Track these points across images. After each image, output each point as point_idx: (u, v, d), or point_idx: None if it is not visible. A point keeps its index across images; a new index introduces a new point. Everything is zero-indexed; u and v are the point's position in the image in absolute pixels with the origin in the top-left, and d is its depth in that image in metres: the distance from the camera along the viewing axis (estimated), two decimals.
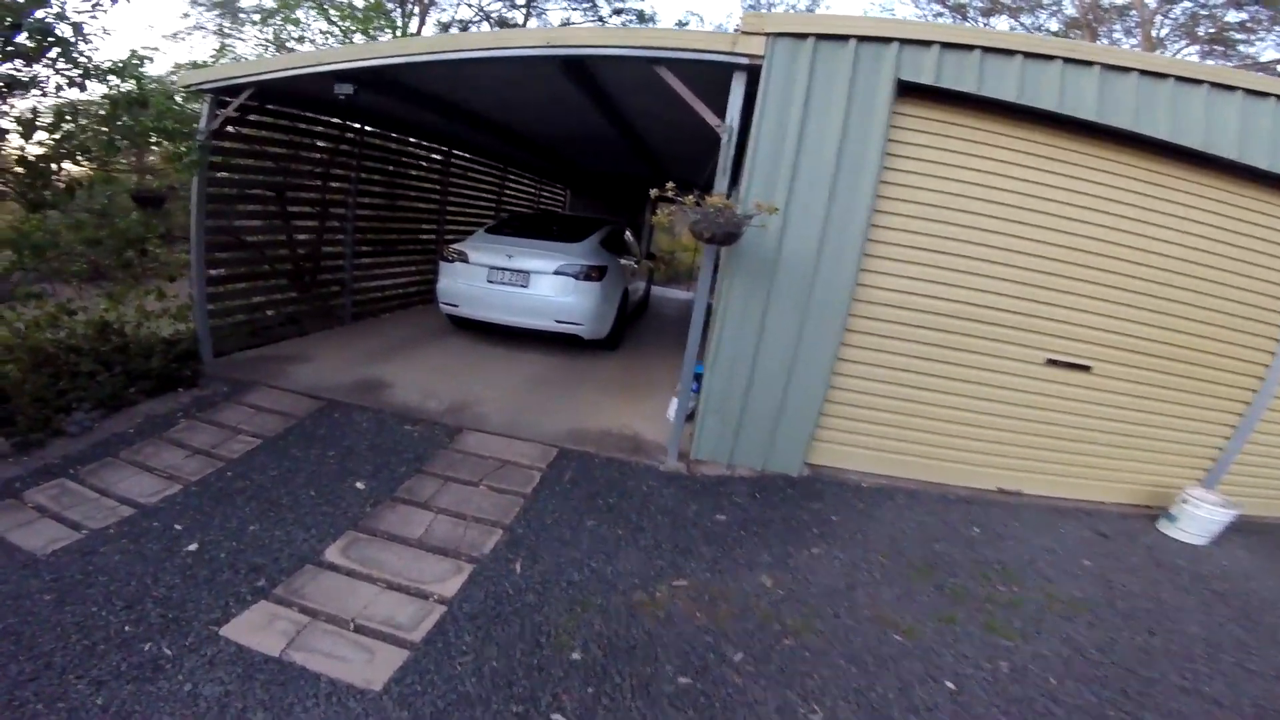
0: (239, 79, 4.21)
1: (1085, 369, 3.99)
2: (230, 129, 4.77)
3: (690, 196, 3.25)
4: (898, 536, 3.44)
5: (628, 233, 7.63)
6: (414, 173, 7.55)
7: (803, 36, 3.33)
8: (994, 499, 4.09)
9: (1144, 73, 3.31)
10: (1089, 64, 3.31)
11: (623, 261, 6.60)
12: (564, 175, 12.10)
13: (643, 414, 4.76)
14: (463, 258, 5.74)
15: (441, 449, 3.90)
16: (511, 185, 10.33)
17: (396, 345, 5.93)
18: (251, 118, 5.04)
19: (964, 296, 3.74)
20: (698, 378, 4.42)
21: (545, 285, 5.51)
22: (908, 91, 3.41)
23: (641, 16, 16.40)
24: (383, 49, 3.85)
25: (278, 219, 5.87)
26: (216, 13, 14.07)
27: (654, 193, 3.32)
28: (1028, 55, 3.31)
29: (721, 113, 3.40)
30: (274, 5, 12.33)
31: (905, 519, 3.66)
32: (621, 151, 7.89)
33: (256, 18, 13.34)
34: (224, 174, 5.21)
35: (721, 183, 3.45)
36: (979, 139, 3.55)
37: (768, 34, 3.30)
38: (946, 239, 3.65)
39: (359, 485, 3.38)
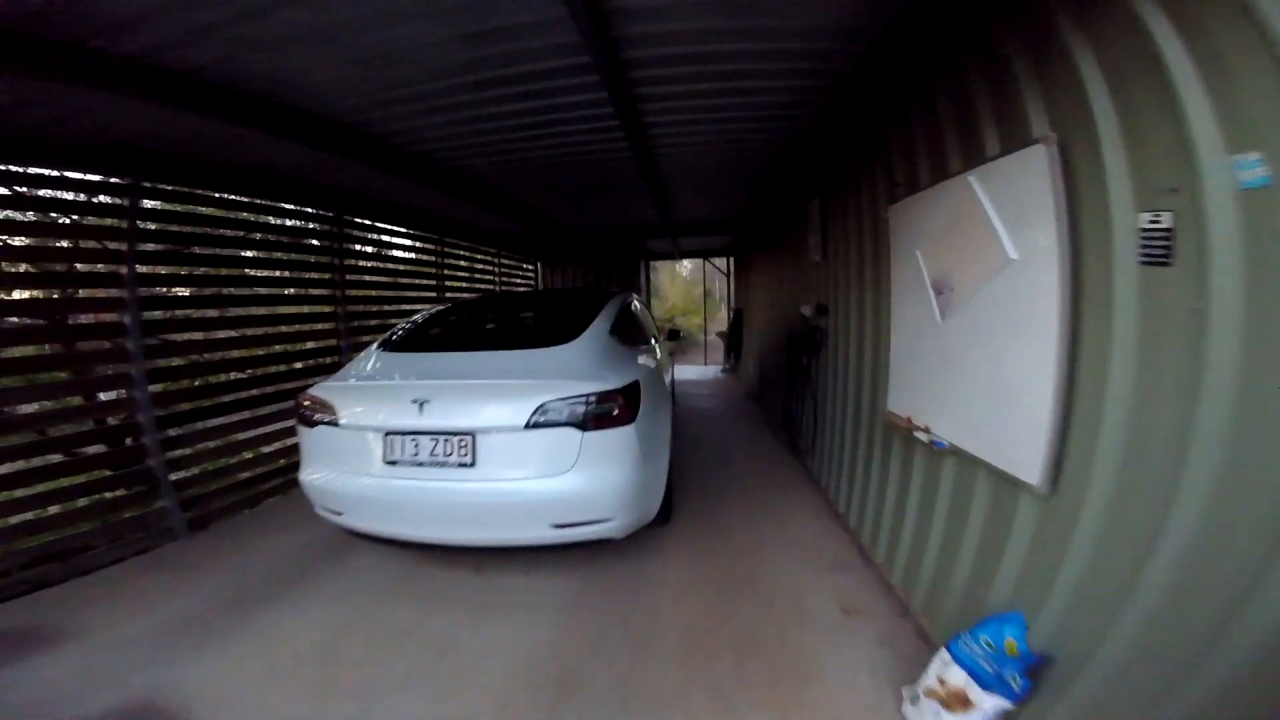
0: None
1: None
2: None
3: None
4: None
5: (636, 302, 4.85)
6: (283, 256, 4.80)
7: None
8: None
9: None
10: None
11: (651, 360, 3.78)
12: (531, 243, 9.56)
13: None
14: (328, 415, 2.80)
15: None
16: (453, 265, 7.65)
17: (253, 586, 3.06)
18: None
19: None
20: (1028, 670, 1.55)
21: (513, 456, 2.56)
22: None
23: None
24: None
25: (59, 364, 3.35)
26: None
27: None
28: None
29: None
30: None
31: None
32: (618, 182, 5.35)
33: None
34: None
35: None
36: None
37: None
38: None
39: None
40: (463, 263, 7.91)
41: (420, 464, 2.60)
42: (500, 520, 2.62)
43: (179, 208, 4.22)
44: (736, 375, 10.49)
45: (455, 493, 2.55)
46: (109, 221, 3.64)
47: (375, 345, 3.29)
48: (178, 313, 4.14)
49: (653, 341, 4.77)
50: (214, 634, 2.67)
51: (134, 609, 2.89)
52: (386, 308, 5.78)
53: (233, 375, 4.31)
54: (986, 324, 1.88)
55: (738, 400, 8.10)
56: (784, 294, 5.73)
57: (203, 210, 4.10)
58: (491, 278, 8.80)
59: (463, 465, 2.56)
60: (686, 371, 11.86)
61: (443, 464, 2.58)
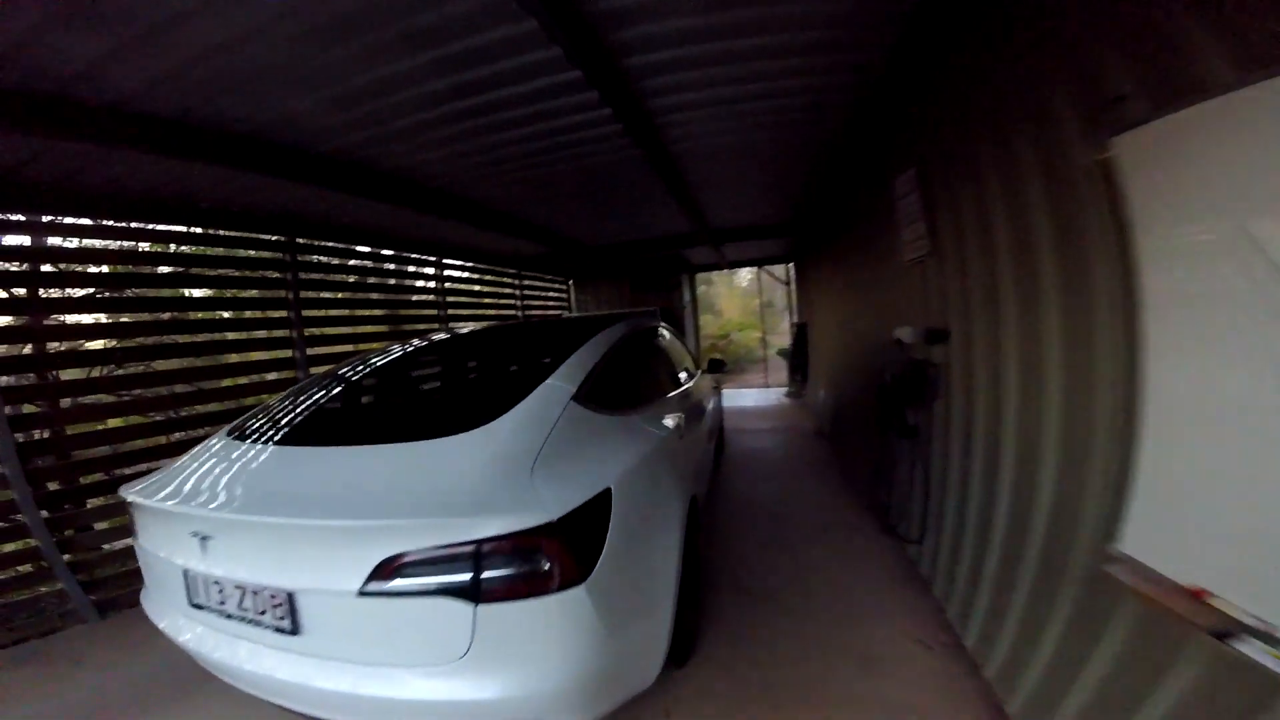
0: None
1: None
2: None
3: None
4: None
5: (663, 330, 3.61)
6: (219, 294, 3.89)
7: None
8: None
9: None
10: None
11: (670, 417, 2.49)
12: (557, 262, 8.53)
13: None
14: (134, 529, 1.84)
15: None
16: (457, 290, 6.66)
17: (126, 693, 2.39)
18: None
19: None
20: None
21: (356, 630, 1.40)
22: None
23: None
24: None
25: None
26: None
27: None
28: None
29: None
30: None
31: None
32: (626, 184, 4.21)
33: None
34: None
35: None
36: None
37: None
38: None
39: None
40: (475, 287, 6.94)
41: (229, 616, 1.55)
42: (352, 710, 1.45)
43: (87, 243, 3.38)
44: (803, 401, 8.97)
45: (274, 668, 1.47)
46: None
47: (224, 430, 2.20)
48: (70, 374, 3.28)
49: (683, 379, 3.51)
50: None
51: None
52: (363, 346, 4.80)
53: (141, 442, 3.43)
54: None
55: (805, 438, 6.61)
56: (862, 309, 4.33)
57: (95, 244, 3.24)
58: (513, 302, 7.81)
59: (281, 631, 1.46)
60: (743, 396, 10.40)
61: (256, 623, 1.50)
